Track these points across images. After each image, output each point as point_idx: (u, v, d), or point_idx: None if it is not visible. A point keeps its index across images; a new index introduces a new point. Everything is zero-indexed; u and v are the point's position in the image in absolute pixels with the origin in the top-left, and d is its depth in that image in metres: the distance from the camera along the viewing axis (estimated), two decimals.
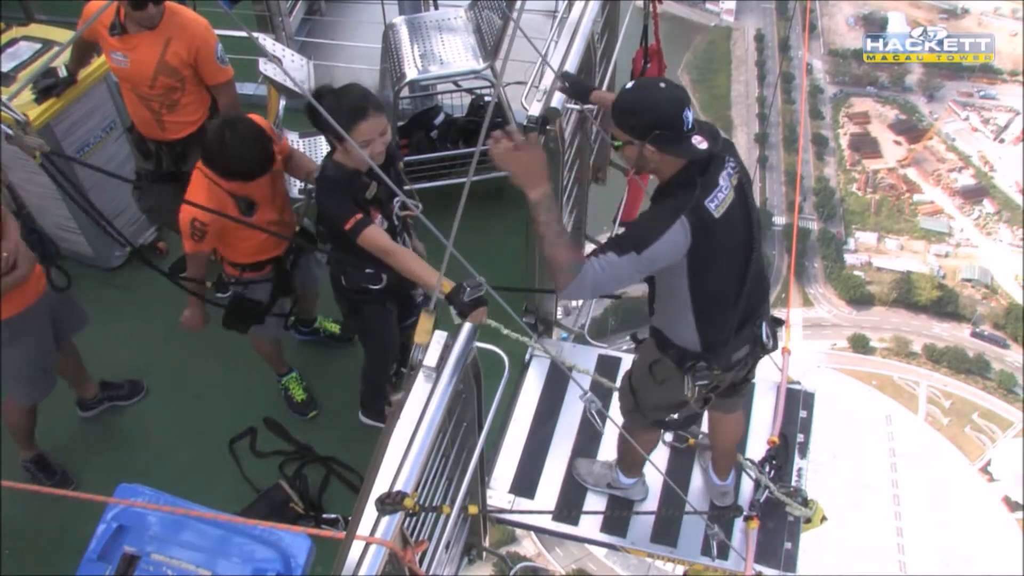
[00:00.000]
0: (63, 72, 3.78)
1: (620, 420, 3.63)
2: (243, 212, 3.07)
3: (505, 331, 2.33)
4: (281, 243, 3.30)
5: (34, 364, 3.27)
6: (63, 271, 3.52)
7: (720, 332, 2.52)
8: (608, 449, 3.59)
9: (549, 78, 3.12)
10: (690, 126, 2.24)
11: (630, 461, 3.32)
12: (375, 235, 2.74)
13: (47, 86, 3.72)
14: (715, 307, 2.48)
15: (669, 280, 2.43)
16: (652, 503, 3.47)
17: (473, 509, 2.61)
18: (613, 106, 2.34)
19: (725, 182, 2.33)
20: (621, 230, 2.47)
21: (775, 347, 2.73)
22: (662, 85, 2.28)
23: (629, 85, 2.36)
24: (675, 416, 3.01)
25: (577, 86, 3.13)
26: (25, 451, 3.61)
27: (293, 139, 4.58)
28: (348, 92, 2.74)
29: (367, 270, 3.02)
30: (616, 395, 3.75)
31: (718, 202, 2.29)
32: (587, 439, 3.63)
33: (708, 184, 2.29)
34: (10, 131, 2.63)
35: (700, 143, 2.26)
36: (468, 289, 2.41)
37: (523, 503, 3.45)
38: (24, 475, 3.57)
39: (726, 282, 2.45)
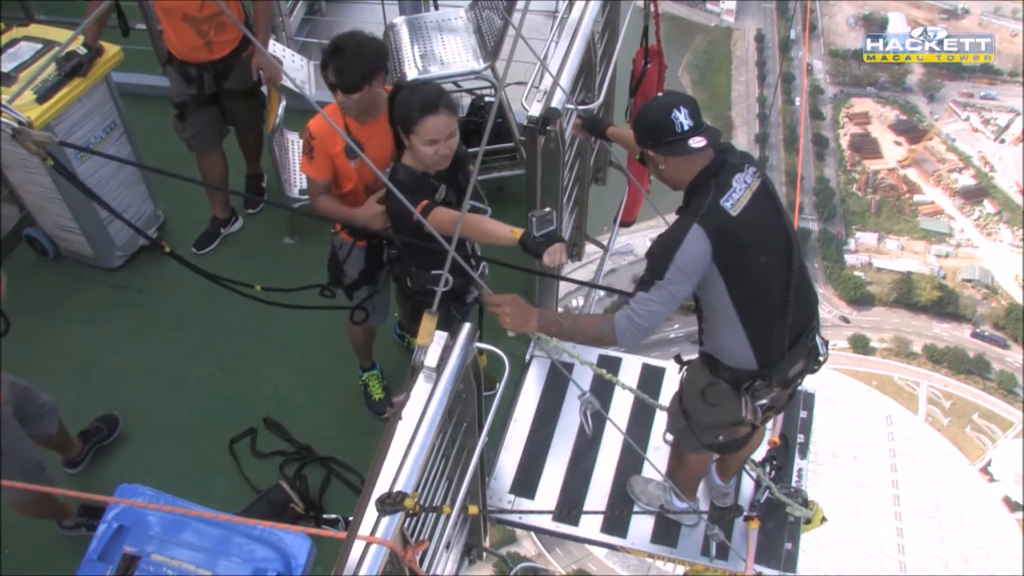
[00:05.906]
0: (83, 52, 3.77)
1: (620, 422, 3.63)
2: (346, 153, 2.94)
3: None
4: None
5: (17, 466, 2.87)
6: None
7: (773, 344, 2.50)
8: (607, 453, 3.59)
9: (549, 79, 3.13)
10: (685, 128, 2.28)
11: (683, 484, 3.24)
12: (443, 215, 2.65)
13: (74, 66, 3.73)
14: (762, 315, 2.46)
15: (709, 296, 2.41)
16: None
17: (473, 509, 2.60)
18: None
19: (740, 184, 2.36)
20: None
21: (827, 359, 2.73)
22: (659, 94, 2.46)
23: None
24: (726, 438, 2.93)
25: (594, 123, 3.28)
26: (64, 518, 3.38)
27: (293, 139, 4.58)
28: (424, 87, 2.73)
29: (433, 271, 2.95)
30: (615, 399, 3.77)
31: (733, 201, 2.32)
32: (588, 440, 3.62)
33: (721, 185, 2.32)
34: (17, 126, 2.62)
35: (697, 142, 2.29)
36: (535, 220, 2.37)
37: (523, 503, 3.45)
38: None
39: (768, 286, 2.44)
